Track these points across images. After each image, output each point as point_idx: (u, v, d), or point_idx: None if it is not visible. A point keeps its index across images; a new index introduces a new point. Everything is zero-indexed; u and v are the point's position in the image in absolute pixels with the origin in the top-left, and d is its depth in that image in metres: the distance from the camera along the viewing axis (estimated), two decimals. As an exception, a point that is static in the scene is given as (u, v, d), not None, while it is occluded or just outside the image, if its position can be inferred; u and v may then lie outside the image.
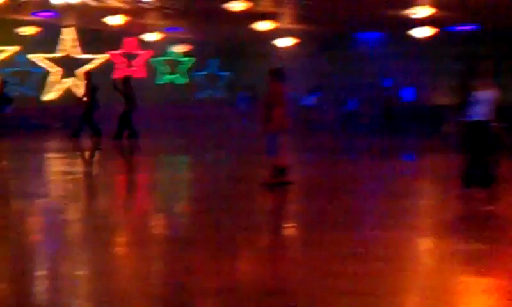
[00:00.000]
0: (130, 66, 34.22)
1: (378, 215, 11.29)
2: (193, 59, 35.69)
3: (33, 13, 27.61)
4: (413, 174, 17.33)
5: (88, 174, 17.75)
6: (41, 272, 7.73)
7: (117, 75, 32.77)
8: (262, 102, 13.40)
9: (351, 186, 14.69)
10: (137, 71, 33.97)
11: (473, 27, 28.87)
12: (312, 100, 31.63)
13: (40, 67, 32.01)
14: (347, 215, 10.98)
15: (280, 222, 11.28)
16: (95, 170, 19.16)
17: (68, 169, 18.35)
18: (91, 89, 24.06)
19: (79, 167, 19.15)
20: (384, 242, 8.84)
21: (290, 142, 15.25)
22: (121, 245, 9.37)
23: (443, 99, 26.17)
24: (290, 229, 10.67)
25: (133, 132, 23.65)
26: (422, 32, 27.77)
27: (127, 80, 24.94)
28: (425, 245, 9.19)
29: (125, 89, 24.27)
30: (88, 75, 25.19)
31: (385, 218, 10.80)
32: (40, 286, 7.22)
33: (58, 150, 22.88)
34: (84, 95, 24.43)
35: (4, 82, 24.80)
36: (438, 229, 10.09)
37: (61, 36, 32.24)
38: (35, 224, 11.04)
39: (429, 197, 13.58)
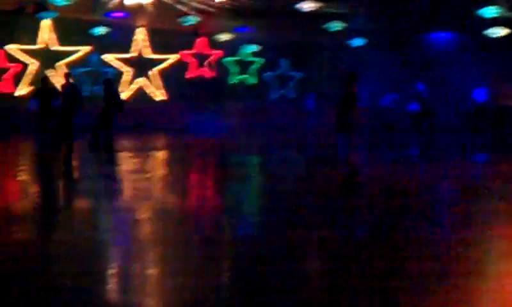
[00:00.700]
0: (200, 66, 33.76)
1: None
2: (263, 59, 35.07)
3: (106, 14, 28.26)
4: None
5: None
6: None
7: (189, 75, 33.18)
8: (337, 103, 13.36)
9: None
10: (207, 71, 33.78)
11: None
12: (388, 101, 31.21)
13: (111, 67, 31.97)
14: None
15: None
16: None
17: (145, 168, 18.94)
18: (112, 95, 21.62)
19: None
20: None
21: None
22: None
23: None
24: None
25: (95, 137, 20.93)
26: (495, 32, 27.56)
27: (108, 81, 23.01)
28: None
29: (108, 90, 22.06)
30: (108, 81, 22.47)
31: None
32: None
33: (131, 149, 23.18)
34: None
35: (68, 75, 23.69)
36: None
37: (133, 37, 32.15)
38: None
39: None
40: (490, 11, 24.93)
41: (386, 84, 31.32)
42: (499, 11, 24.76)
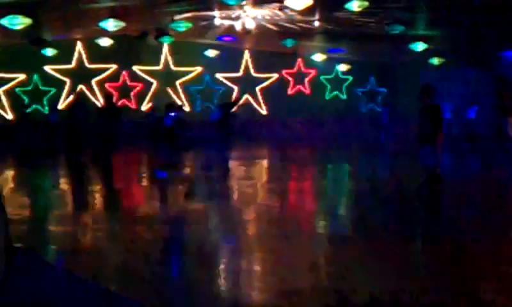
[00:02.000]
0: (299, 83, 35.01)
1: None
2: (352, 77, 35.70)
3: (217, 38, 28.63)
4: None
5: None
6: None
7: (290, 91, 34.47)
8: (418, 116, 13.19)
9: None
10: (305, 88, 35.06)
11: None
12: (472, 113, 31.31)
13: (222, 85, 33.28)
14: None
15: None
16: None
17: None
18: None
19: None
20: None
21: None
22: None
23: None
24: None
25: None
26: None
27: (109, 97, 23.24)
28: None
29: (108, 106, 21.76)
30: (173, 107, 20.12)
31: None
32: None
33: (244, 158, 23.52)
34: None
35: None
36: None
37: (240, 58, 33.61)
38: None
39: None
40: None
41: (467, 98, 31.29)
42: None
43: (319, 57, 33.23)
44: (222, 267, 8.55)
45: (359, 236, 10.23)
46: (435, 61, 30.20)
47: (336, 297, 6.93)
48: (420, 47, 27.35)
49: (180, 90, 31.77)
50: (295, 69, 35.11)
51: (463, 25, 23.93)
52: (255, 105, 34.21)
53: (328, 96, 35.80)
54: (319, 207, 14.16)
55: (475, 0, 19.34)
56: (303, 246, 9.56)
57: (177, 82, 31.68)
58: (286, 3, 18.59)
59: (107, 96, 23.69)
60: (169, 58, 32.20)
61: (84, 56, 30.65)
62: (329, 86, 35.99)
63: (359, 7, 18.63)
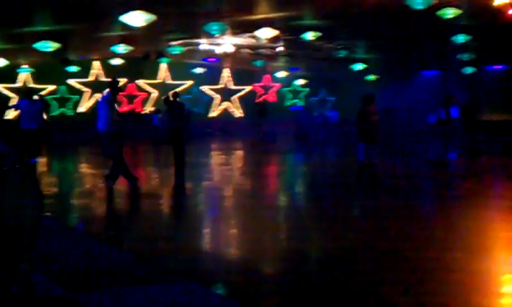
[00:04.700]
0: (265, 94, 34.67)
1: None
2: (308, 89, 35.42)
3: (203, 59, 28.52)
4: None
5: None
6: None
7: (258, 100, 34.16)
8: (358, 119, 12.18)
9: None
10: (270, 97, 34.84)
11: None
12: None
13: (206, 95, 33.10)
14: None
15: None
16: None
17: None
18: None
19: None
20: None
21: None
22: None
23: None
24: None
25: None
26: (467, 71, 26.48)
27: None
28: None
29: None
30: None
31: None
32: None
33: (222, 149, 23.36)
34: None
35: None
36: None
37: (221, 74, 33.47)
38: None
39: None
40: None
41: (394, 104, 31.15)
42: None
43: (282, 74, 33.14)
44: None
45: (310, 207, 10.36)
46: (371, 76, 29.98)
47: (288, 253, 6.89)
48: (359, 66, 27.56)
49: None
50: (263, 83, 34.95)
51: (391, 50, 24.41)
52: (233, 109, 34.03)
53: (288, 103, 35.54)
54: (277, 185, 14.14)
55: (399, 32, 19.61)
56: (263, 215, 9.43)
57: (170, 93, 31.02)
58: (256, 34, 18.70)
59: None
60: (167, 74, 31.97)
61: (100, 72, 30.40)
62: (289, 96, 35.78)
63: (313, 36, 18.87)
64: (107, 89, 11.82)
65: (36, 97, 16.57)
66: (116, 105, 11.82)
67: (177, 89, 28.61)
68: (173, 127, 15.51)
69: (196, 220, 9.10)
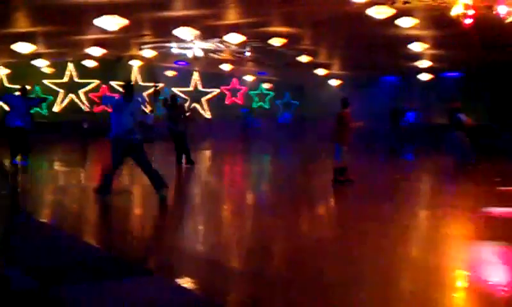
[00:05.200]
0: (234, 96, 34.58)
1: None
2: (273, 92, 35.43)
3: (174, 62, 28.67)
4: None
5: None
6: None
7: (226, 102, 34.05)
8: (334, 121, 12.02)
9: None
10: (238, 100, 34.74)
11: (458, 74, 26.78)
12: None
13: (177, 96, 33.16)
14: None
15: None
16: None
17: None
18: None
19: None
20: None
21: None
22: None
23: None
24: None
25: None
26: (424, 77, 26.81)
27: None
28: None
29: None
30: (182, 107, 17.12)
31: None
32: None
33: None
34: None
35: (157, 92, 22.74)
36: None
37: (191, 77, 33.29)
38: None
39: None
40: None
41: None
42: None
43: (249, 78, 33.16)
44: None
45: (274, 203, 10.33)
46: (333, 82, 30.01)
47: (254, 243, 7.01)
48: (321, 72, 27.53)
49: (146, 100, 31.39)
50: (231, 86, 34.80)
51: (353, 57, 24.36)
52: (202, 111, 33.84)
53: (254, 106, 35.45)
54: (244, 182, 14.14)
55: (360, 40, 19.81)
56: (231, 208, 9.56)
57: (144, 94, 31.14)
58: (225, 38, 18.70)
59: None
60: (139, 76, 31.69)
61: (74, 73, 30.06)
62: (256, 99, 35.72)
63: (279, 42, 18.97)
64: (122, 92, 9.98)
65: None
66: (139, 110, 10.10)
67: (150, 91, 28.80)
68: (172, 129, 15.42)
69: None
